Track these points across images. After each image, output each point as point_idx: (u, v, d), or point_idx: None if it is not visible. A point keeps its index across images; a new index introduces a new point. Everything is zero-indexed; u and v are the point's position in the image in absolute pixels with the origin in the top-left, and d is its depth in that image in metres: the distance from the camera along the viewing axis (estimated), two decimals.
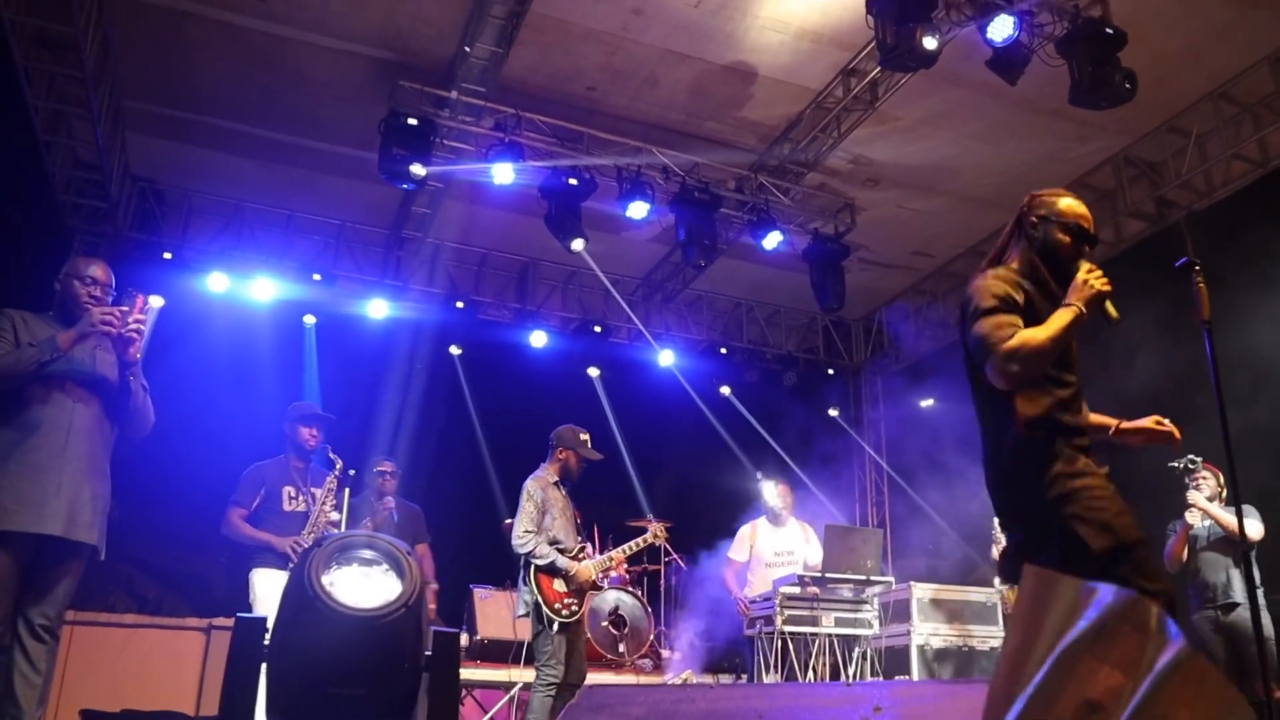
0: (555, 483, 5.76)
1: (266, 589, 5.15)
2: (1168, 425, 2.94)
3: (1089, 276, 2.73)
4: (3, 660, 3.55)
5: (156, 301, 8.05)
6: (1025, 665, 1.13)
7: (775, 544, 7.10)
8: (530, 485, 5.69)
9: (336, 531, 4.51)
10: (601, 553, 6.09)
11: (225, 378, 8.15)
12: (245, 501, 5.40)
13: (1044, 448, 2.65)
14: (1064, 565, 2.40)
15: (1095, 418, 2.96)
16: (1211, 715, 1.01)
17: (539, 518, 5.59)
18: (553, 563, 5.50)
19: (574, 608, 5.52)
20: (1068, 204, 2.93)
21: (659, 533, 6.53)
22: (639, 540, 6.43)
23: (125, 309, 3.77)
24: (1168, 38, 6.96)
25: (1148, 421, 2.94)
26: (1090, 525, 2.47)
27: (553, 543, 5.58)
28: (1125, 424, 2.94)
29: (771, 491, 7.23)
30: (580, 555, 5.69)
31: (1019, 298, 2.75)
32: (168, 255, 8.83)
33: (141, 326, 3.79)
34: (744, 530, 7.21)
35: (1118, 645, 1.05)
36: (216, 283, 8.93)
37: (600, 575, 5.76)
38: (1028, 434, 2.66)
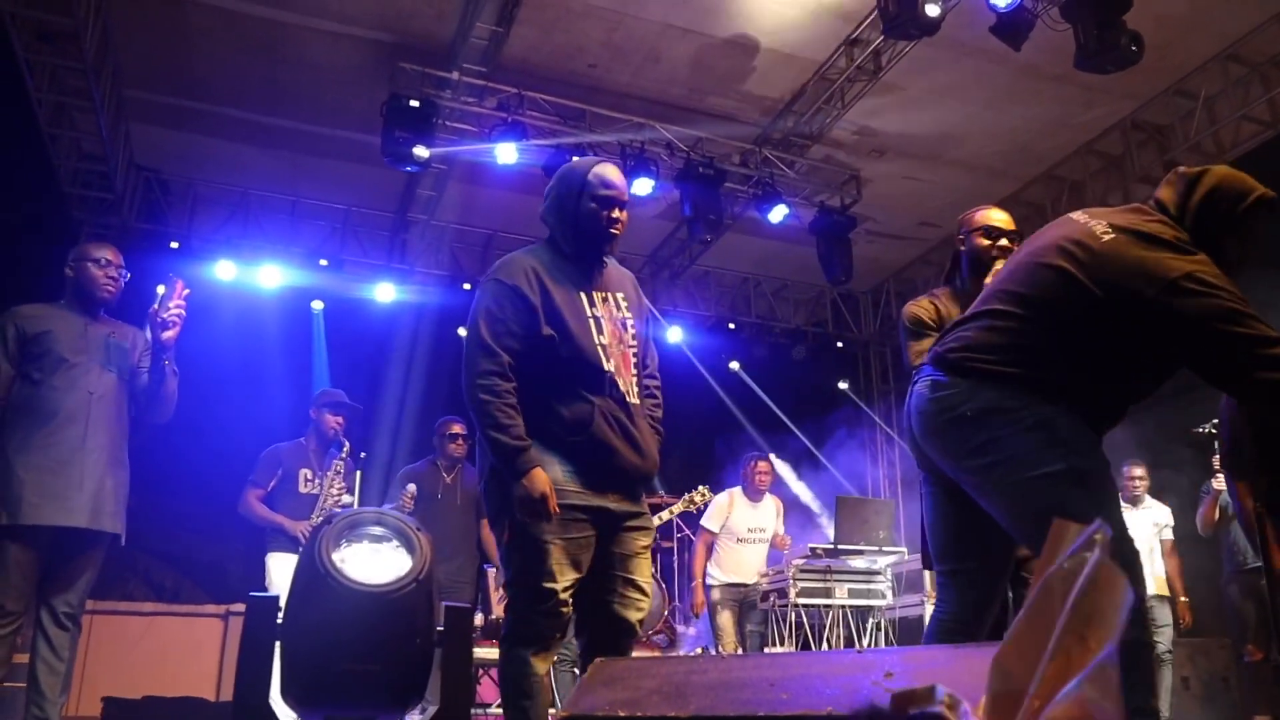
0: None
1: (281, 572, 5.20)
2: None
3: None
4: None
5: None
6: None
7: (750, 519, 6.96)
8: None
9: (345, 509, 4.56)
10: None
11: (235, 365, 8.18)
12: (262, 482, 5.47)
13: None
14: None
15: None
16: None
17: None
18: None
19: None
20: (981, 214, 3.39)
21: (696, 498, 6.64)
22: (666, 512, 6.55)
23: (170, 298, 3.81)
24: None
25: None
26: None
27: None
28: None
29: (747, 469, 7.11)
30: None
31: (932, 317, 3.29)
32: (175, 245, 8.87)
33: (182, 312, 3.82)
34: (721, 500, 7.03)
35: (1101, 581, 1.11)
36: (224, 271, 8.95)
37: None
38: None
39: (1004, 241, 3.29)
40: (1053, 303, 2.36)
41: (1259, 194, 2.39)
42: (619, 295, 2.98)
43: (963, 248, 3.36)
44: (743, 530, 6.90)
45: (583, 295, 2.87)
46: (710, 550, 6.97)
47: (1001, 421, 2.32)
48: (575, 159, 3.07)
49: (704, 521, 7.01)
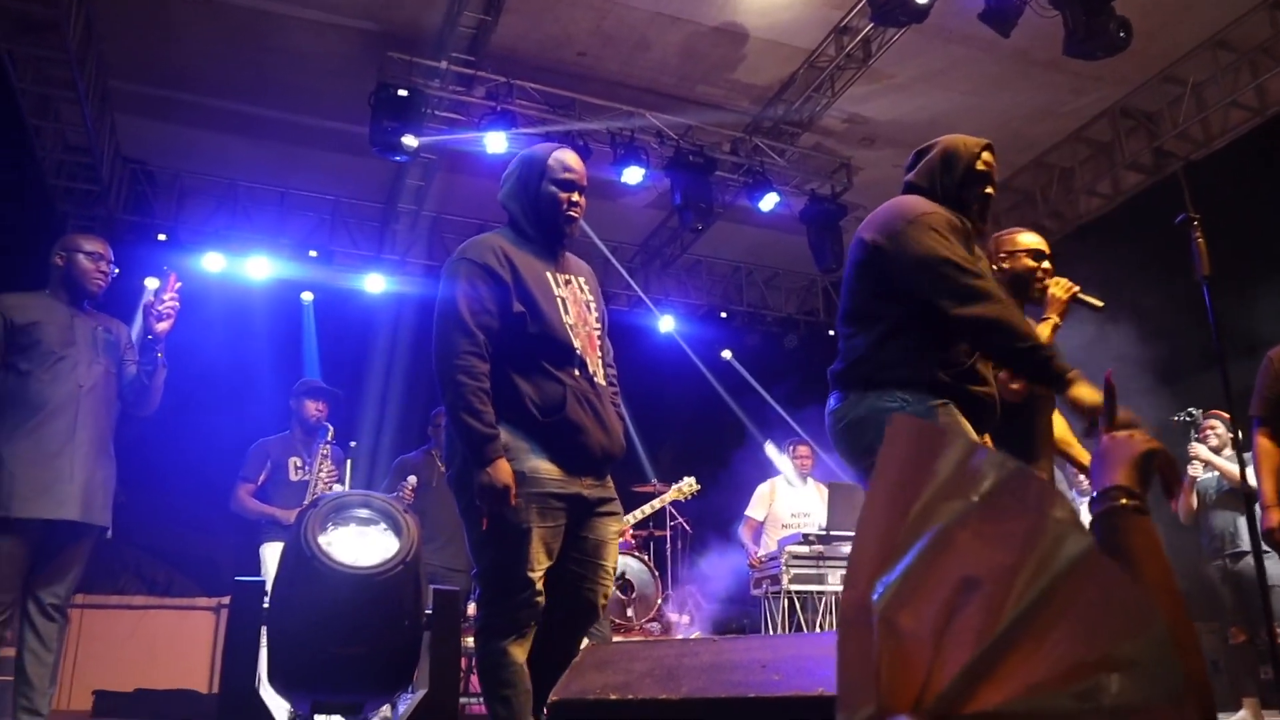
0: None
1: (277, 561, 5.19)
2: None
3: (1056, 289, 3.20)
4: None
5: (152, 284, 8.03)
6: (895, 532, 0.87)
7: (793, 505, 7.11)
8: None
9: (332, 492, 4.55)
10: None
11: (225, 358, 8.13)
12: (252, 476, 5.47)
13: None
14: None
15: None
16: (1117, 620, 0.80)
17: None
18: None
19: None
20: (1024, 237, 3.38)
21: (685, 489, 6.74)
22: (653, 503, 6.62)
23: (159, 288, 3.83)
24: None
25: None
26: None
27: None
28: None
29: (787, 454, 7.30)
30: None
31: None
32: (162, 237, 8.80)
33: (177, 304, 3.83)
34: (763, 489, 7.23)
35: (1004, 520, 0.84)
36: (212, 263, 8.89)
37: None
38: None
39: (1046, 264, 3.34)
40: (870, 291, 2.69)
41: (984, 143, 2.81)
42: (580, 279, 3.01)
43: (1006, 265, 3.37)
44: (786, 516, 7.07)
45: (549, 274, 2.88)
46: (757, 537, 7.14)
47: (882, 420, 2.50)
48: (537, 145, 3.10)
49: (748, 511, 7.24)
